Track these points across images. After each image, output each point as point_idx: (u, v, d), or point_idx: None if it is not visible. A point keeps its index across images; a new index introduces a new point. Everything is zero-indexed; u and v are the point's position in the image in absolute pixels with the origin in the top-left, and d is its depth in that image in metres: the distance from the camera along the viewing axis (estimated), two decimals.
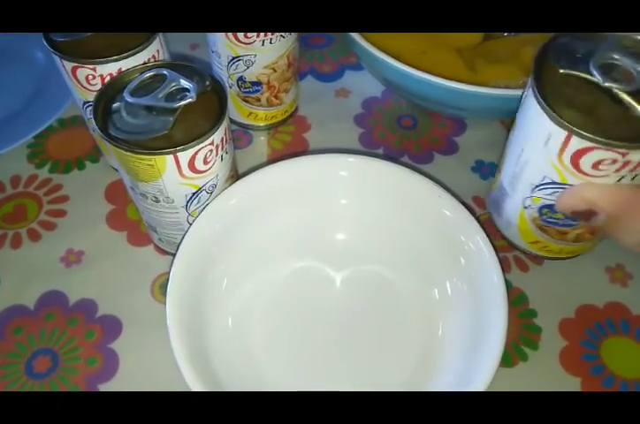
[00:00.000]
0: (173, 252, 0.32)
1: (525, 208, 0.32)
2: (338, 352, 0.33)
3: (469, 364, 0.29)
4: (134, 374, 0.33)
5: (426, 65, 0.38)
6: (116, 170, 0.41)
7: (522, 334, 0.34)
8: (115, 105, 0.29)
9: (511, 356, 0.34)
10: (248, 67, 0.38)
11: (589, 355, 0.34)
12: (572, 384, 0.33)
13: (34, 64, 0.48)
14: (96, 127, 0.28)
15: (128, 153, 0.28)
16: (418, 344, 0.33)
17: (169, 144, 0.28)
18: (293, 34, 0.38)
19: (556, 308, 0.35)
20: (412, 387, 0.31)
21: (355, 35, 0.39)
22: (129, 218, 0.40)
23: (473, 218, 0.32)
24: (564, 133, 0.25)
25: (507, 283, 0.31)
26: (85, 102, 0.35)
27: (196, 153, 0.29)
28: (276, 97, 0.42)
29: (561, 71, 0.26)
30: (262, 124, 0.44)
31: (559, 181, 0.28)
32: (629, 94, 0.24)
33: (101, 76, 0.32)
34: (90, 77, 0.32)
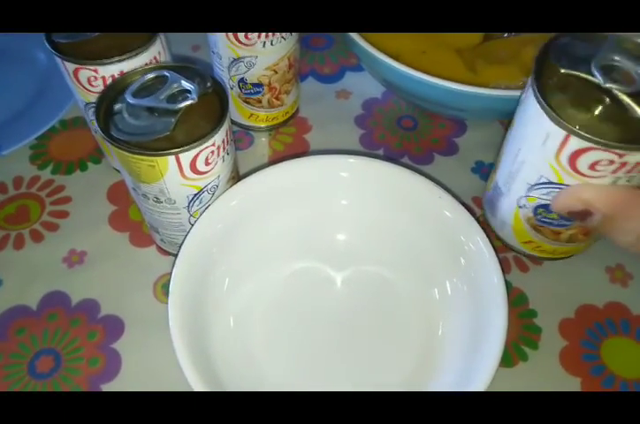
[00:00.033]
0: (175, 252, 0.32)
1: (520, 207, 0.32)
2: (338, 352, 0.33)
3: (469, 364, 0.29)
4: (137, 374, 0.33)
5: (426, 66, 0.38)
6: (118, 171, 0.41)
7: (522, 334, 0.35)
8: (117, 106, 0.29)
9: (511, 356, 0.34)
10: (249, 69, 0.39)
11: (589, 355, 0.34)
12: (572, 384, 0.33)
13: (35, 64, 0.49)
14: (98, 128, 0.29)
15: (130, 154, 0.28)
16: (418, 344, 0.33)
17: (170, 145, 0.28)
18: (294, 36, 0.38)
19: (556, 308, 0.36)
20: (412, 387, 0.31)
21: (355, 36, 0.39)
22: (131, 219, 0.40)
23: (473, 219, 0.32)
24: (563, 133, 0.26)
25: (507, 284, 0.31)
26: (87, 104, 0.35)
27: (198, 154, 0.29)
28: (277, 98, 0.42)
29: (562, 71, 0.26)
30: (263, 126, 0.44)
31: (555, 181, 0.28)
32: (629, 95, 0.24)
33: (103, 77, 0.32)
34: (92, 78, 0.32)
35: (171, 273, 0.30)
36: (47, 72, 0.47)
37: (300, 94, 0.45)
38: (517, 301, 0.36)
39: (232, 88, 0.41)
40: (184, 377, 0.27)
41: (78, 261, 0.38)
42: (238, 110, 0.43)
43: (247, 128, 0.44)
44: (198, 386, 0.27)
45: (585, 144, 0.25)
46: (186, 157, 0.28)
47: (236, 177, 0.35)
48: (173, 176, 0.29)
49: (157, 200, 0.31)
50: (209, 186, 0.32)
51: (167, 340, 0.28)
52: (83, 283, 0.37)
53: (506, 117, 0.42)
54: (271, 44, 0.37)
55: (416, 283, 0.35)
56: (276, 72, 0.39)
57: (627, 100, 0.24)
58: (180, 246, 0.31)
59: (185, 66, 0.31)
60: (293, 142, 0.44)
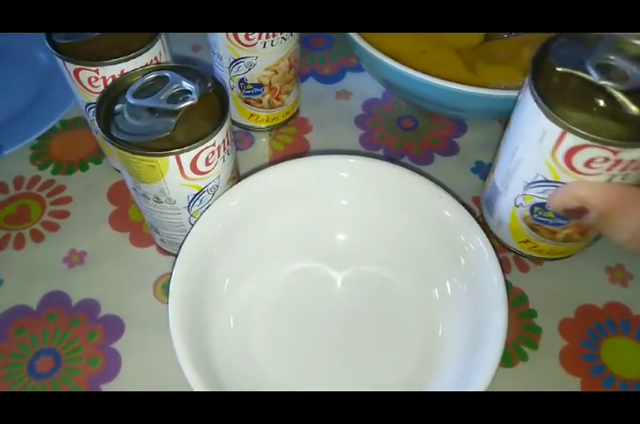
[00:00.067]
0: (175, 252, 0.32)
1: (517, 206, 0.32)
2: (338, 352, 0.33)
3: (469, 364, 0.29)
4: (137, 374, 0.33)
5: (426, 66, 0.38)
6: (118, 171, 0.41)
7: (522, 334, 0.35)
8: (117, 107, 0.29)
9: (511, 356, 0.34)
10: (250, 69, 0.39)
11: (589, 355, 0.34)
12: (572, 384, 0.33)
13: (36, 65, 0.49)
14: (99, 129, 0.29)
15: (130, 154, 0.28)
16: (418, 344, 0.33)
17: (171, 145, 0.28)
18: (295, 36, 0.38)
19: (556, 308, 0.36)
20: (412, 387, 0.31)
21: (355, 36, 0.39)
22: (131, 219, 0.40)
23: (473, 219, 0.32)
24: (559, 130, 0.26)
25: (507, 284, 0.31)
26: (87, 104, 0.35)
27: (198, 154, 0.29)
28: (277, 99, 0.42)
29: (559, 69, 0.26)
30: (263, 126, 0.44)
31: (551, 179, 0.28)
32: (623, 92, 0.25)
33: (103, 78, 0.32)
34: (93, 79, 0.32)
35: (171, 273, 0.30)
36: (48, 73, 0.47)
37: (300, 95, 0.45)
38: (517, 301, 0.36)
39: (232, 89, 0.41)
40: (184, 377, 0.27)
41: (78, 260, 0.38)
42: (238, 111, 0.43)
43: (247, 128, 0.44)
44: (198, 386, 0.27)
45: (581, 141, 0.25)
46: (186, 157, 0.28)
47: (236, 177, 0.35)
48: (174, 176, 0.29)
49: (158, 200, 0.31)
50: (210, 186, 0.32)
51: (167, 340, 0.28)
52: (83, 283, 0.37)
53: (506, 117, 0.42)
54: (272, 45, 0.37)
55: (416, 283, 0.35)
56: (276, 73, 0.39)
57: (621, 97, 0.25)
58: (180, 246, 0.31)
59: (185, 67, 0.31)
60: (293, 142, 0.44)
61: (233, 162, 0.33)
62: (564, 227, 0.31)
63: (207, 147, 0.29)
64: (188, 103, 0.28)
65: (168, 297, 0.29)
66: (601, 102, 0.25)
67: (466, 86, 0.36)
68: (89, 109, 0.35)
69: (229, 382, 0.29)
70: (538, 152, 0.28)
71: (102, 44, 0.32)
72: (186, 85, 0.29)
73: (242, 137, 0.44)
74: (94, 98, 0.32)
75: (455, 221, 0.32)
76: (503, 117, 0.42)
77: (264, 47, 0.37)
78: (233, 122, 0.43)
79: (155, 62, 0.33)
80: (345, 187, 0.35)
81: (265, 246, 0.35)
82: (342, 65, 0.49)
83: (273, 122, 0.44)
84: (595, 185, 0.27)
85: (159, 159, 0.28)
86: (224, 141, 0.30)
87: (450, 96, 0.37)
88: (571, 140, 0.26)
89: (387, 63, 0.38)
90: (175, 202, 0.31)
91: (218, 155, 0.30)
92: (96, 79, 0.32)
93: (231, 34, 0.36)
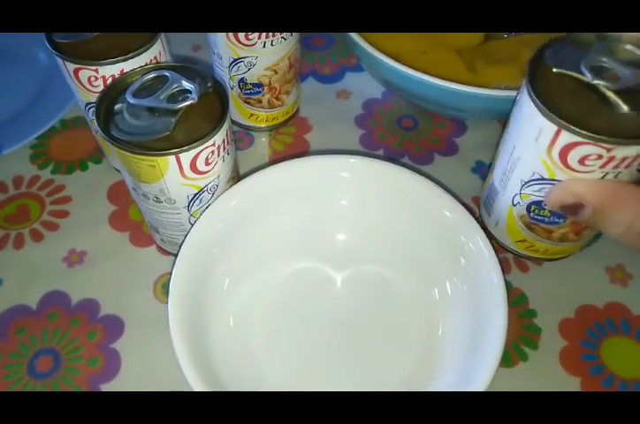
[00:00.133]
0: (175, 252, 0.32)
1: (514, 205, 0.33)
2: (338, 352, 0.33)
3: (469, 364, 0.29)
4: (136, 374, 0.33)
5: (426, 66, 0.38)
6: (118, 170, 0.41)
7: (522, 334, 0.35)
8: (117, 106, 0.29)
9: (511, 356, 0.34)
10: (250, 69, 0.39)
11: (589, 355, 0.34)
12: (572, 384, 0.33)
13: (36, 64, 0.49)
14: (99, 128, 0.29)
15: (130, 154, 0.28)
16: (418, 344, 0.33)
17: (171, 145, 0.28)
18: (295, 36, 0.38)
19: (556, 308, 0.36)
20: (412, 387, 0.31)
21: (355, 36, 0.39)
22: (131, 219, 0.40)
23: (473, 219, 0.32)
24: (554, 128, 0.27)
25: (507, 284, 0.31)
26: (87, 104, 0.35)
27: (198, 154, 0.29)
28: (277, 99, 0.42)
29: (554, 70, 0.28)
30: (263, 126, 0.44)
31: (547, 177, 0.29)
32: (615, 92, 0.26)
33: (103, 77, 0.32)
34: (92, 78, 0.32)
35: (171, 273, 0.30)
36: (47, 72, 0.47)
37: (300, 95, 0.45)
38: (517, 301, 0.36)
39: (232, 88, 0.41)
40: (184, 377, 0.27)
41: (78, 260, 0.38)
42: (238, 110, 0.43)
43: (247, 128, 0.44)
44: (198, 386, 0.27)
45: (575, 138, 0.26)
46: (186, 157, 0.28)
47: (236, 177, 0.35)
48: (173, 176, 0.29)
49: (157, 200, 0.31)
50: (210, 186, 0.32)
51: (167, 340, 0.28)
52: (83, 283, 0.37)
53: (505, 117, 0.42)
54: (272, 44, 0.37)
55: (416, 283, 0.35)
56: (276, 72, 0.39)
57: (613, 96, 0.26)
58: (180, 246, 0.31)
59: (185, 66, 0.31)
60: (293, 142, 0.44)
61: (233, 162, 0.33)
62: (560, 226, 0.32)
63: (207, 147, 0.29)
64: (188, 103, 0.28)
65: (168, 296, 0.29)
66: (595, 102, 0.27)
67: (466, 86, 0.36)
68: (89, 108, 0.35)
69: (229, 382, 0.29)
70: (535, 150, 0.29)
71: (101, 44, 0.32)
72: (186, 84, 0.29)
73: (242, 137, 0.44)
74: (93, 98, 0.32)
75: (455, 221, 0.32)
76: (503, 117, 0.42)
77: (264, 47, 0.37)
78: (233, 122, 0.43)
79: (154, 61, 0.33)
80: (345, 187, 0.35)
81: (265, 245, 0.35)
82: (342, 65, 0.49)
83: (273, 122, 0.44)
84: (590, 181, 0.28)
85: (159, 159, 0.28)
86: (223, 141, 0.30)
87: (450, 96, 0.37)
88: (566, 138, 0.27)
89: (387, 63, 0.38)
90: (175, 202, 0.31)
91: (218, 155, 0.30)
92: (96, 78, 0.32)
93: (231, 34, 0.36)
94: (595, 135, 0.26)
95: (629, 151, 0.26)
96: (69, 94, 0.38)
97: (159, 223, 0.34)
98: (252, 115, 0.43)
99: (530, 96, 0.28)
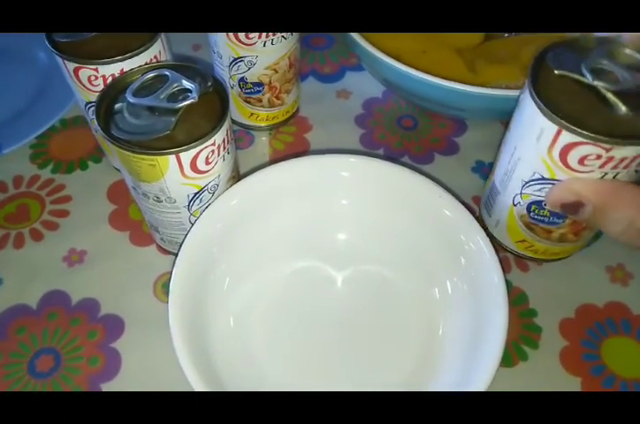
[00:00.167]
0: (175, 251, 0.32)
1: (515, 205, 0.33)
2: (338, 352, 0.33)
3: (469, 364, 0.29)
4: (136, 373, 0.33)
5: (426, 66, 0.38)
6: (118, 170, 0.41)
7: (523, 334, 0.35)
8: (117, 106, 0.29)
9: (511, 356, 0.34)
10: (250, 68, 0.39)
11: (589, 355, 0.34)
12: (572, 384, 0.33)
13: (36, 64, 0.49)
14: (99, 128, 0.29)
15: (130, 153, 0.28)
16: (418, 344, 0.33)
17: (171, 144, 0.28)
18: (295, 35, 0.38)
19: (556, 308, 0.36)
20: (412, 387, 0.31)
21: (355, 36, 0.39)
22: (131, 218, 0.40)
23: (473, 218, 0.32)
24: (555, 128, 0.27)
25: (508, 283, 0.31)
26: (87, 103, 0.35)
27: (198, 153, 0.29)
28: (277, 98, 0.42)
29: (556, 72, 0.28)
30: (263, 125, 0.44)
31: (548, 177, 0.30)
32: (615, 93, 0.27)
33: (103, 77, 0.32)
34: (92, 77, 0.32)
35: (171, 272, 0.30)
36: (47, 72, 0.47)
37: (300, 94, 0.45)
38: (517, 301, 0.36)
39: (232, 87, 0.41)
40: (184, 377, 0.27)
41: (78, 260, 0.38)
42: (238, 110, 0.43)
43: (247, 127, 0.44)
44: (198, 386, 0.27)
45: (575, 138, 0.27)
46: (186, 156, 0.28)
47: (236, 176, 0.35)
48: (174, 175, 0.29)
49: (158, 200, 0.31)
50: (210, 185, 0.32)
51: (167, 339, 0.28)
52: (83, 283, 0.37)
53: (506, 117, 0.42)
54: (272, 44, 0.37)
55: (417, 282, 0.35)
56: (276, 72, 0.39)
57: (612, 98, 0.27)
58: (181, 245, 0.31)
59: (185, 65, 0.31)
60: (293, 141, 0.44)
61: (233, 162, 0.33)
62: (559, 226, 0.32)
63: (207, 146, 0.29)
64: (188, 102, 0.28)
65: (168, 296, 0.29)
66: (595, 103, 0.27)
67: (466, 85, 0.36)
68: (89, 107, 0.35)
69: (229, 382, 0.29)
70: (536, 150, 0.29)
71: (101, 43, 0.32)
72: (186, 84, 0.29)
73: (242, 136, 0.44)
74: (93, 97, 0.32)
75: (455, 220, 0.32)
76: (503, 116, 0.43)
77: (264, 46, 0.37)
78: (233, 121, 0.43)
79: (155, 61, 0.33)
80: (345, 187, 0.35)
81: (265, 245, 0.35)
82: (342, 65, 0.49)
83: (273, 121, 0.44)
84: (590, 180, 0.28)
85: (159, 158, 0.28)
86: (224, 140, 0.30)
87: (450, 96, 0.37)
88: (566, 138, 0.27)
89: (388, 62, 0.38)
90: (175, 201, 0.31)
91: (218, 154, 0.30)
92: (96, 77, 0.32)
93: (231, 33, 0.36)
94: (594, 135, 0.26)
95: (627, 151, 0.26)
96: (69, 93, 0.38)
97: (159, 222, 0.34)
98: (252, 114, 0.43)
99: (532, 97, 0.28)
